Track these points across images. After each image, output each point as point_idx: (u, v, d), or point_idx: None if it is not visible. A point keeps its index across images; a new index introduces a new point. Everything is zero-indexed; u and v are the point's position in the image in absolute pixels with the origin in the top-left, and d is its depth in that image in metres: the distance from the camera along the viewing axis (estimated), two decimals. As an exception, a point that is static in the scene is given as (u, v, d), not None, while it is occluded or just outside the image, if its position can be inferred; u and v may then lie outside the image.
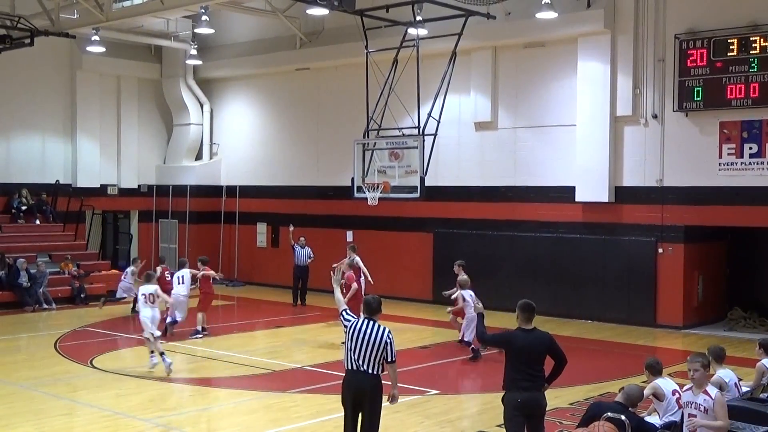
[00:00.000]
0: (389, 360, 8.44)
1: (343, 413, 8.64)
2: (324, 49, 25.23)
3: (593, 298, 20.53)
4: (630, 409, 8.21)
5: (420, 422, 11.41)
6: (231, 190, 28.79)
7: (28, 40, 19.98)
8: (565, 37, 20.77)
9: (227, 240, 28.50)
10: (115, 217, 29.90)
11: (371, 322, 8.50)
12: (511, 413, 8.24)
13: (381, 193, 18.87)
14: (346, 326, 8.60)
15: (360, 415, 8.50)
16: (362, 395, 8.42)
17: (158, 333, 14.81)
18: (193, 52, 26.53)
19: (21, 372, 14.76)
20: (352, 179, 19.56)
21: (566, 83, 21.08)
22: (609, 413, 8.06)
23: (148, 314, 14.52)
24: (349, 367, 8.47)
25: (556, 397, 11.48)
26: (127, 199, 29.00)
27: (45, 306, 21.94)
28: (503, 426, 8.64)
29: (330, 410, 11.84)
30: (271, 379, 14.51)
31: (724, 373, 9.57)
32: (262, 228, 27.94)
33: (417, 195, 18.57)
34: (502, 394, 8.40)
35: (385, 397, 8.60)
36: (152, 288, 14.81)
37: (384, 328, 8.48)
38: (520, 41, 21.71)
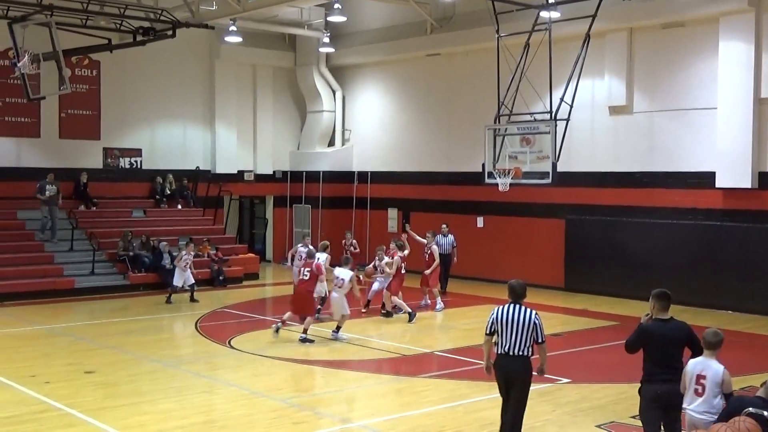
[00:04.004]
0: (539, 341, 8.73)
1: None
2: (455, 34, 25.14)
3: (733, 288, 19.74)
4: (773, 404, 7.89)
5: (551, 410, 11.30)
6: (362, 176, 29.17)
7: (170, 32, 20.70)
8: (706, 16, 19.98)
9: (359, 225, 28.91)
10: (252, 202, 30.83)
11: (518, 306, 8.74)
12: (648, 404, 8.10)
13: (512, 178, 18.74)
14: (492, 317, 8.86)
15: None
16: (512, 377, 8.74)
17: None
18: (326, 40, 26.96)
19: (165, 350, 15.49)
20: (483, 165, 19.48)
21: (707, 64, 20.29)
22: (750, 408, 7.77)
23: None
24: (501, 351, 8.76)
25: (693, 390, 11.12)
26: (263, 185, 29.84)
27: (186, 288, 22.75)
28: (637, 417, 8.47)
29: (461, 395, 11.91)
30: (401, 363, 14.67)
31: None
32: (393, 213, 28.21)
33: (549, 181, 18.36)
34: (638, 384, 8.24)
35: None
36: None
37: (531, 311, 8.73)
38: (658, 22, 21.03)
